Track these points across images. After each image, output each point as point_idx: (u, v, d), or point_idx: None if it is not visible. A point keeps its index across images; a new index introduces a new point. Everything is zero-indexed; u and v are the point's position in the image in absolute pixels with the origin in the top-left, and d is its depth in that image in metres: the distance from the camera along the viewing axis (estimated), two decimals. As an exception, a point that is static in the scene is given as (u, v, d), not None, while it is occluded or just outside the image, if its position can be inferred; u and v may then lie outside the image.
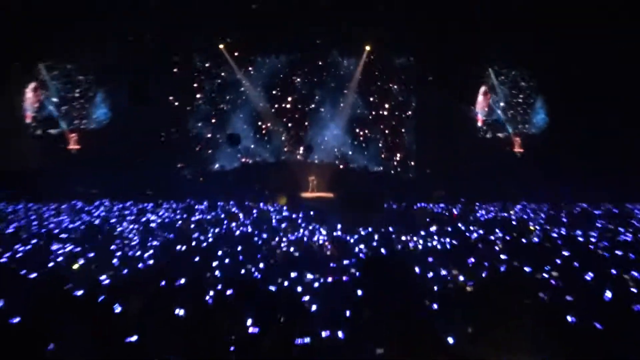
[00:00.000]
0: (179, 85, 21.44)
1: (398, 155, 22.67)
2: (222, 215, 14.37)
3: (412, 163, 22.33)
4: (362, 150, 22.59)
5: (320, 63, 22.28)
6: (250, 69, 22.14)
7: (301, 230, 11.97)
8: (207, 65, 21.95)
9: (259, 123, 22.46)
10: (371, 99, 22.56)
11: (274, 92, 22.40)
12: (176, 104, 21.44)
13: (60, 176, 18.11)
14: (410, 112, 22.31)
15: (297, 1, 18.70)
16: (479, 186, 18.80)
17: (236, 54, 21.46)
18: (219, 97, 22.24)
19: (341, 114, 22.39)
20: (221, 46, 21.09)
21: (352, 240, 10.37)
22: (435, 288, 6.06)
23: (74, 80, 20.23)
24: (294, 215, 14.60)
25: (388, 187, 19.91)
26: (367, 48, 21.31)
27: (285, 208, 16.08)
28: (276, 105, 22.40)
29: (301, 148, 21.92)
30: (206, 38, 20.64)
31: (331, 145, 22.53)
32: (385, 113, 22.61)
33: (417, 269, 6.99)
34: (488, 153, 20.55)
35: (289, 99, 22.44)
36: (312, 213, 14.35)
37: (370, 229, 11.63)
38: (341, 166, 22.40)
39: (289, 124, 22.53)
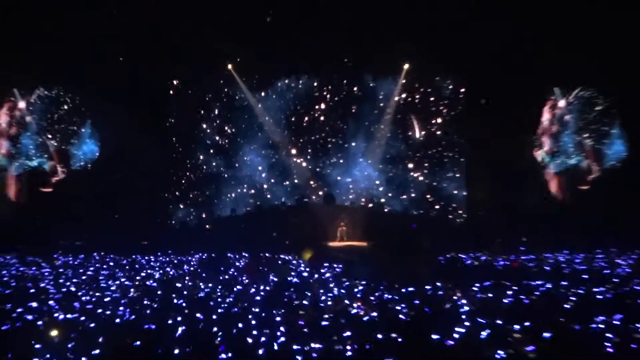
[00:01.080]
0: (183, 115, 21.75)
1: (444, 196, 22.38)
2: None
3: (461, 206, 22.06)
4: (400, 191, 22.48)
5: (348, 87, 22.46)
6: (263, 93, 22.19)
7: (330, 289, 11.45)
8: (213, 89, 22.14)
9: (276, 157, 22.40)
10: (410, 131, 22.49)
11: (292, 121, 22.47)
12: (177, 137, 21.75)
13: (40, 224, 18.23)
14: (458, 146, 22.14)
15: (321, 14, 18.78)
16: (542, 230, 18.51)
17: (247, 76, 21.73)
18: (228, 127, 22.46)
19: (375, 148, 22.47)
20: (230, 66, 21.06)
21: (391, 298, 10.06)
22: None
23: (59, 105, 19.83)
24: (320, 270, 14.44)
25: (433, 234, 18.54)
26: (406, 67, 21.07)
27: (308, 262, 15.76)
28: (295, 138, 22.46)
29: (319, 193, 21.81)
30: (213, 57, 20.56)
31: (363, 185, 22.55)
32: (429, 147, 22.49)
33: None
34: (550, 189, 20.34)
35: (311, 129, 22.57)
36: (342, 267, 14.29)
37: (414, 285, 11.20)
38: (373, 209, 22.26)
39: (310, 161, 22.54)
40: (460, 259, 15.83)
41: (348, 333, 6.95)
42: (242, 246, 17.62)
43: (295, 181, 22.49)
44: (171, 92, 21.74)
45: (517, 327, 7.03)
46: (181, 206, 22.05)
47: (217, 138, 22.34)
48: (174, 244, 18.48)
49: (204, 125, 22.33)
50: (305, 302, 9.18)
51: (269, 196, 22.44)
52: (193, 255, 16.94)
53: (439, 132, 22.25)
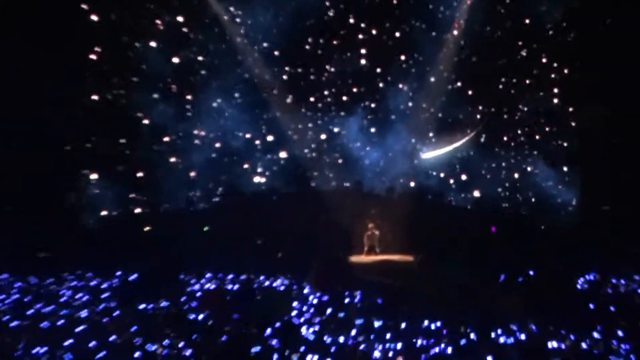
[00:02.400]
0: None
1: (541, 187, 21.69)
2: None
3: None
4: (471, 178, 21.84)
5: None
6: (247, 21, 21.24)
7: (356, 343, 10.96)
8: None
9: (265, 114, 21.62)
10: (487, 76, 21.74)
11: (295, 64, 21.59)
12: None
13: None
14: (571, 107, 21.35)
15: None
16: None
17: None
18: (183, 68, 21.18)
19: (426, 105, 21.55)
20: None
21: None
22: None
23: None
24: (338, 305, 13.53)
25: (524, 243, 17.93)
26: None
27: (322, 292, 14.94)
28: (299, 93, 21.60)
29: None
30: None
31: (406, 163, 21.78)
32: (520, 106, 21.78)
33: None
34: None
35: (324, 79, 21.83)
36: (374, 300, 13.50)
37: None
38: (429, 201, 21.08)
39: (320, 120, 21.84)
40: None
41: None
42: (205, 262, 17.01)
43: (294, 153, 21.55)
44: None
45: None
46: (104, 195, 20.40)
47: (167, 84, 20.97)
48: (90, 257, 17.41)
49: (142, 63, 20.78)
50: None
51: (255, 179, 21.55)
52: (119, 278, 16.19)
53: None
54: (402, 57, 21.62)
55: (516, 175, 21.87)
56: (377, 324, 11.76)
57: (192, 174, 21.53)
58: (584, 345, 10.29)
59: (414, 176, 21.76)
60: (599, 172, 20.44)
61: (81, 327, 10.73)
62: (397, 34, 21.59)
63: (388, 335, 11.06)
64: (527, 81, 21.99)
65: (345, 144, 21.81)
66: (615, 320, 11.80)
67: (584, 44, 20.89)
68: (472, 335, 10.78)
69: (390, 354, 10.03)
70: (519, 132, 22.14)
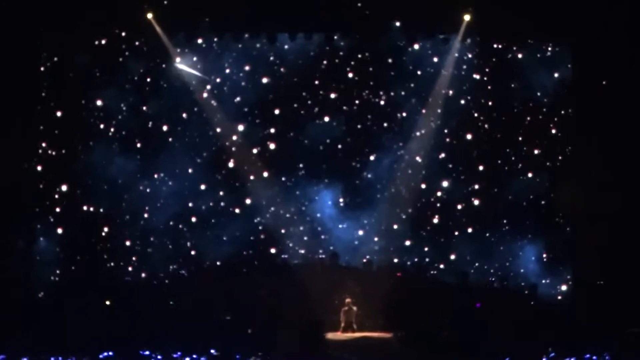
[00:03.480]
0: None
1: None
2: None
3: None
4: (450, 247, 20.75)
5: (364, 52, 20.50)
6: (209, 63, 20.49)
7: None
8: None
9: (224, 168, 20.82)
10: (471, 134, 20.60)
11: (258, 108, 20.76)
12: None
13: None
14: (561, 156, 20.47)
15: None
16: None
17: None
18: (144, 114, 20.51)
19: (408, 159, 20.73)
20: (150, 15, 18.64)
21: None
22: None
23: None
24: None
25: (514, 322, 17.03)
26: (467, 19, 18.52)
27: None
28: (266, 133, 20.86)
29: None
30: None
31: (386, 233, 20.82)
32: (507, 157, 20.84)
33: None
34: None
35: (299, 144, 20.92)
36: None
37: None
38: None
39: (296, 194, 20.91)
40: None
41: None
42: (170, 339, 16.03)
43: (265, 221, 20.66)
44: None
45: None
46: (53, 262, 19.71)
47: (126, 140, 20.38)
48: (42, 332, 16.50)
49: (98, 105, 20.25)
50: None
51: (222, 249, 20.25)
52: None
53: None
54: (384, 125, 20.93)
55: (503, 248, 20.84)
56: None
57: (152, 239, 20.58)
58: None
59: (394, 250, 20.68)
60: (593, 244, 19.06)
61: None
62: (379, 100, 20.97)
63: None
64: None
65: (320, 214, 20.89)
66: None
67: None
68: None
69: None
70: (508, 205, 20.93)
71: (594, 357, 15.10)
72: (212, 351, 15.36)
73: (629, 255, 18.19)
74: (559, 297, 19.81)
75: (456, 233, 20.79)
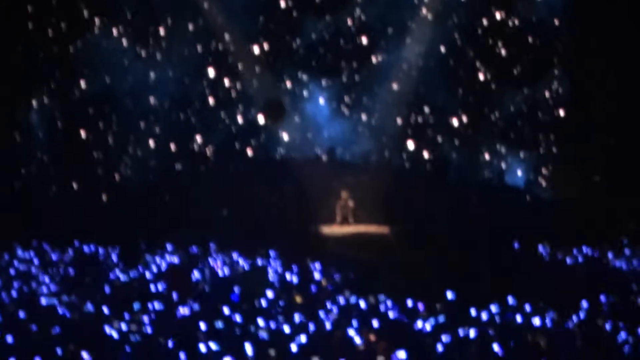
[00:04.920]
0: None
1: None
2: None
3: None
4: (451, 139, 21.06)
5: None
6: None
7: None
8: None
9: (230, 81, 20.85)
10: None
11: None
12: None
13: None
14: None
15: None
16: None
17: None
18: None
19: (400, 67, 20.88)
20: None
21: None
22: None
23: None
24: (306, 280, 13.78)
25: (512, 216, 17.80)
26: None
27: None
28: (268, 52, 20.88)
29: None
30: None
31: (382, 129, 21.09)
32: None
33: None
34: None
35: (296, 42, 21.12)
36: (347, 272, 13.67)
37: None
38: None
39: (292, 88, 21.10)
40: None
41: None
42: (166, 235, 16.63)
43: (261, 118, 20.32)
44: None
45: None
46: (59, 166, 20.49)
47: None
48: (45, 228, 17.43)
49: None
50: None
51: (220, 144, 20.68)
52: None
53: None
54: (380, 24, 21.03)
55: (500, 145, 20.97)
56: (350, 300, 11.61)
57: (151, 139, 20.59)
58: (568, 323, 10.24)
59: (391, 144, 20.97)
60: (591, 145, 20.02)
61: (40, 302, 11.07)
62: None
63: (362, 313, 10.92)
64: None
65: (316, 109, 21.18)
66: (603, 296, 11.88)
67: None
68: (452, 313, 10.57)
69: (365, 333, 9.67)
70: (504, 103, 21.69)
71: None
72: (211, 245, 15.65)
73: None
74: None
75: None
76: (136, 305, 10.75)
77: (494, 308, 10.85)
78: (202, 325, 9.55)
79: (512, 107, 21.53)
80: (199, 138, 21.15)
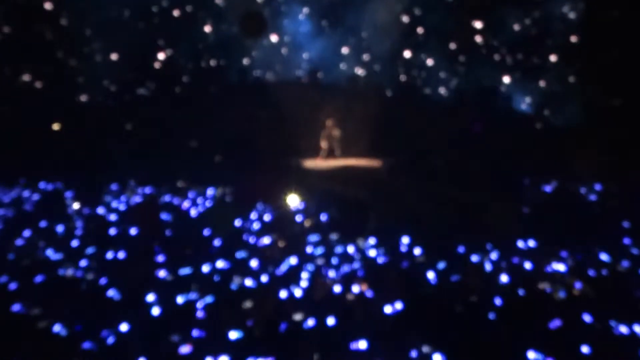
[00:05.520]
0: None
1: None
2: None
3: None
4: (450, 63, 19.94)
5: None
6: None
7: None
8: None
9: None
10: None
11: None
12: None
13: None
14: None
15: None
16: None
17: None
18: None
19: None
20: None
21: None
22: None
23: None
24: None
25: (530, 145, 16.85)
26: None
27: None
28: None
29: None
30: None
31: (371, 50, 20.02)
32: None
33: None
34: None
35: None
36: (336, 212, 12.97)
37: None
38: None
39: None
40: None
41: None
42: (130, 168, 16.13)
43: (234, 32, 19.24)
44: None
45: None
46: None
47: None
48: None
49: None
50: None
51: (188, 64, 19.68)
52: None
53: None
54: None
55: (506, 68, 19.83)
56: (336, 243, 11.07)
57: (113, 56, 19.21)
58: (588, 268, 9.72)
59: (381, 63, 19.94)
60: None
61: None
62: None
63: (349, 256, 10.46)
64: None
65: (297, 25, 20.05)
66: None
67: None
68: (453, 257, 10.17)
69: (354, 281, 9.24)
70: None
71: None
72: (177, 184, 15.02)
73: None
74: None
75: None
76: (91, 250, 10.36)
77: (498, 254, 10.31)
78: (164, 274, 9.17)
79: (519, 26, 20.02)
80: (162, 55, 19.45)
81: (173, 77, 20.41)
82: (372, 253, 10.61)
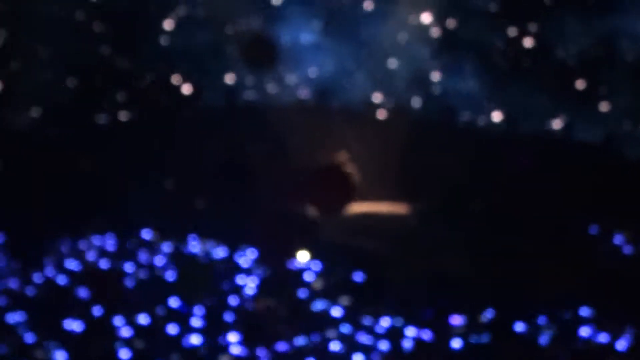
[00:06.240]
0: None
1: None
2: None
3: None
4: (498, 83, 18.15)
5: None
6: None
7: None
8: None
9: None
10: None
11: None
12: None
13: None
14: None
15: None
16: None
17: None
18: None
19: None
20: None
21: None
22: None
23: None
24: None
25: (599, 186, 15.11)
26: None
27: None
28: None
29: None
30: None
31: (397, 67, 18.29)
32: None
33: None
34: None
35: None
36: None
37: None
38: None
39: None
40: None
41: None
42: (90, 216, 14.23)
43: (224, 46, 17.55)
44: None
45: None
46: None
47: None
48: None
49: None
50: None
51: (169, 83, 18.27)
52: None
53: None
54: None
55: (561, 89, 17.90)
56: (348, 311, 10.61)
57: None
58: None
59: (406, 83, 17.48)
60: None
61: None
62: None
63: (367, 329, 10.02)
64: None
65: (301, 40, 17.82)
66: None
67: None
68: (492, 327, 9.83)
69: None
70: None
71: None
72: (144, 233, 13.60)
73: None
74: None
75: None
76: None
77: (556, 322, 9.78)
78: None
79: (582, 42, 17.87)
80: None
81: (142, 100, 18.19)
82: (395, 334, 9.70)
